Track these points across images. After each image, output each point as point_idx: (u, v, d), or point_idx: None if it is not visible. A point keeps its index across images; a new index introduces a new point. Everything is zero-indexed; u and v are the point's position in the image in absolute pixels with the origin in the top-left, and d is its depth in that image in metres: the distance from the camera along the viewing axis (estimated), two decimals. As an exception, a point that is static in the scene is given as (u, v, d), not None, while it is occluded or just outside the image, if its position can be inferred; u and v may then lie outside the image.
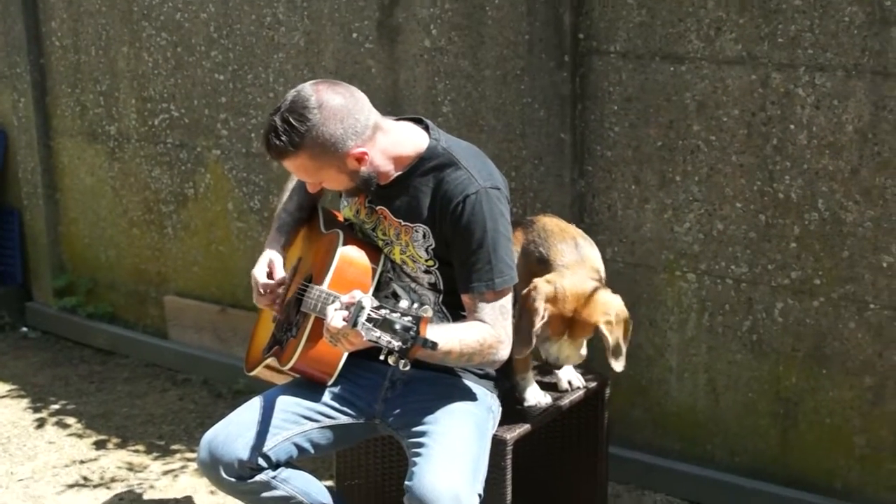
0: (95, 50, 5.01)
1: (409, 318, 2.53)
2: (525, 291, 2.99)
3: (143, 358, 5.09)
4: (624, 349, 3.03)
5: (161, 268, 5.07)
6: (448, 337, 2.75)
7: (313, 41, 4.33)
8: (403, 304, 2.58)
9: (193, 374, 4.90)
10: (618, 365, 3.02)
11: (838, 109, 3.31)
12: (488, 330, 2.83)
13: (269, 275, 3.07)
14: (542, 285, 2.99)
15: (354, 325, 2.54)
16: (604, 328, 2.99)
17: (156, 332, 5.14)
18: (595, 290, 3.02)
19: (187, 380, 4.88)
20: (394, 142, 2.88)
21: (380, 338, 2.52)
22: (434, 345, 2.56)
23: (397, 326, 2.51)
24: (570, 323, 3.00)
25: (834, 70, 3.29)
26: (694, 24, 3.49)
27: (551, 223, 3.18)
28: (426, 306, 2.57)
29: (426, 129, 2.94)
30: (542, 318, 2.96)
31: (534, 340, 2.98)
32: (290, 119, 2.75)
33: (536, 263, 3.10)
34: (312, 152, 2.77)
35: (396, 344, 2.51)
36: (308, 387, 2.98)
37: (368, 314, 2.53)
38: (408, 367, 2.55)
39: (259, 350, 3.17)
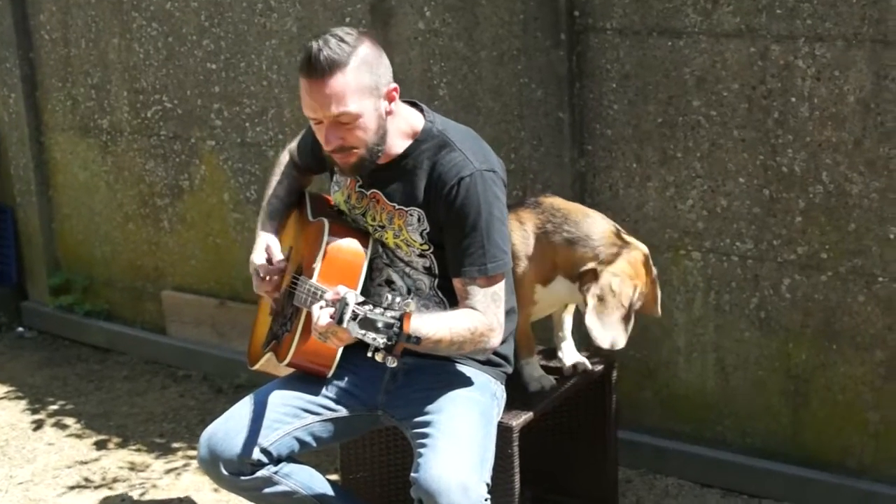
0: (86, 42, 5.04)
1: (392, 313, 2.56)
2: (601, 289, 3.07)
3: (142, 355, 5.12)
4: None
5: (158, 262, 5.10)
6: (438, 326, 2.78)
7: (306, 27, 4.35)
8: (388, 298, 2.61)
9: (193, 369, 4.92)
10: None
11: (839, 80, 3.34)
12: (479, 317, 2.85)
13: (269, 260, 3.08)
14: (624, 279, 3.09)
15: (340, 321, 2.58)
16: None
17: (154, 328, 5.17)
18: (639, 255, 3.16)
19: (187, 376, 4.91)
20: (398, 117, 2.91)
21: (365, 335, 2.56)
22: (418, 339, 2.61)
23: (380, 324, 2.55)
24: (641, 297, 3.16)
25: (834, 40, 3.32)
26: (690, -3, 3.51)
27: (558, 201, 3.25)
28: (409, 300, 2.60)
29: (421, 112, 2.98)
30: (635, 305, 3.12)
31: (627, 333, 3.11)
32: (340, 34, 2.77)
33: (566, 245, 3.15)
34: (359, 72, 2.76)
35: (381, 341, 2.55)
36: (308, 380, 3.00)
37: (353, 311, 2.57)
38: (395, 364, 2.59)
39: (259, 344, 3.20)
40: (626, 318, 3.10)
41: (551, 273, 3.20)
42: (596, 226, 3.18)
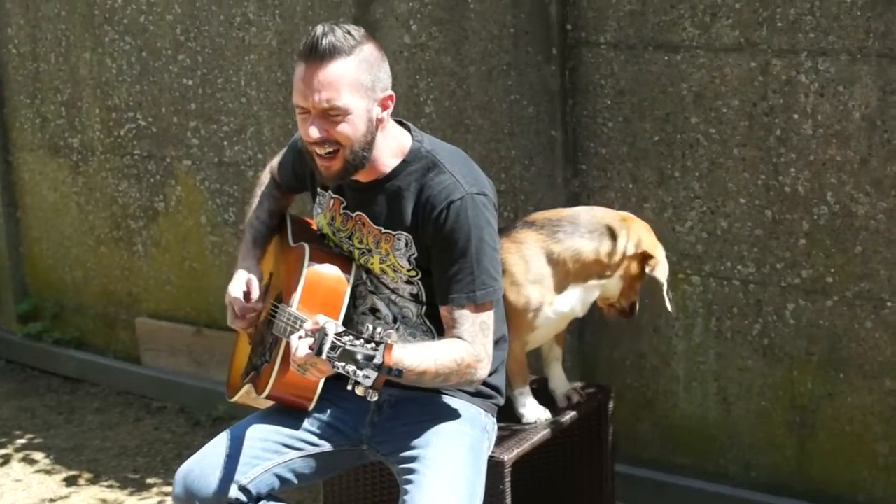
0: (55, 57, 5.03)
1: (372, 345, 2.54)
2: (663, 264, 3.20)
3: (115, 385, 5.10)
4: None
5: (131, 288, 5.08)
6: (422, 357, 2.76)
7: (286, 41, 4.35)
8: (369, 328, 2.60)
9: (169, 401, 4.90)
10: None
11: (844, 96, 3.34)
12: (466, 348, 2.83)
13: (247, 295, 3.07)
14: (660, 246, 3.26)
15: (319, 353, 2.56)
16: None
17: (127, 357, 5.15)
18: (641, 222, 3.30)
19: (162, 408, 4.89)
20: (388, 132, 2.90)
21: (344, 367, 2.54)
22: (399, 372, 2.59)
23: (359, 356, 2.53)
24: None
25: (837, 54, 3.32)
26: (688, 10, 3.51)
27: (546, 213, 3.27)
28: (390, 331, 2.59)
29: (408, 131, 2.96)
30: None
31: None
32: (348, 27, 2.79)
33: (575, 250, 3.17)
34: (358, 67, 2.76)
35: (361, 374, 2.53)
36: (289, 413, 2.98)
37: (332, 342, 2.55)
38: (375, 398, 2.57)
39: (238, 375, 3.17)
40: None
41: (563, 283, 3.20)
42: (588, 215, 3.23)
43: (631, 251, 3.18)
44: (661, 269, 3.20)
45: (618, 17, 3.63)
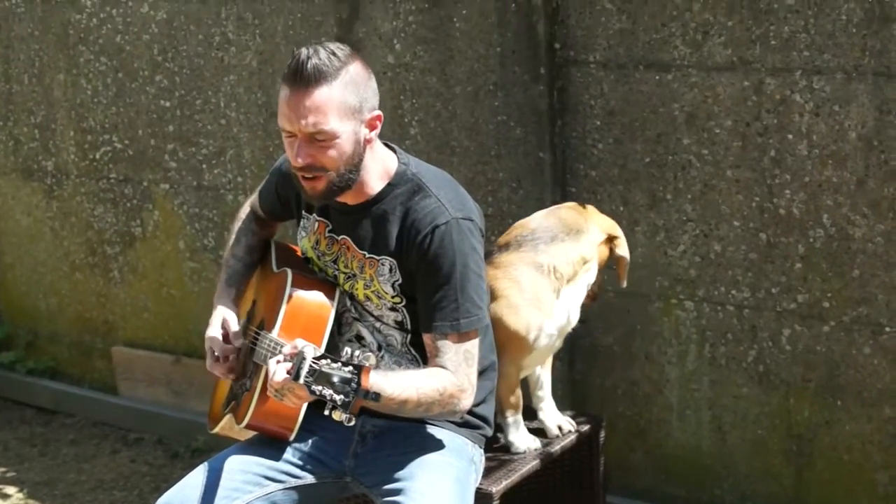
0: (28, 78, 5.02)
1: (350, 368, 2.53)
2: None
3: (91, 416, 5.08)
4: None
5: (108, 316, 5.06)
6: (403, 385, 2.75)
7: (267, 61, 4.35)
8: (347, 353, 2.59)
9: (146, 432, 4.88)
10: None
11: (840, 115, 3.34)
12: (449, 378, 2.81)
13: (225, 336, 3.06)
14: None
15: (297, 377, 2.54)
16: None
17: (103, 387, 5.13)
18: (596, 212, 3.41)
19: (140, 439, 4.86)
20: (375, 154, 2.89)
21: (321, 391, 2.53)
22: (377, 396, 2.57)
23: (335, 379, 2.52)
24: None
25: (833, 73, 3.32)
26: (679, 28, 3.51)
27: (517, 229, 3.28)
28: (369, 354, 2.58)
29: (394, 153, 2.96)
30: None
31: None
32: (332, 48, 2.78)
33: (580, 232, 3.23)
34: (345, 89, 2.76)
35: (338, 398, 2.52)
36: (270, 444, 2.97)
37: (310, 365, 2.54)
38: (352, 423, 2.55)
39: (220, 405, 3.17)
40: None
41: (558, 288, 3.23)
42: (553, 218, 3.28)
43: (602, 237, 3.27)
44: (624, 246, 3.32)
45: (607, 36, 3.63)
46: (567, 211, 3.30)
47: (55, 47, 4.90)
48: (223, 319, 3.07)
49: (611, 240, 3.30)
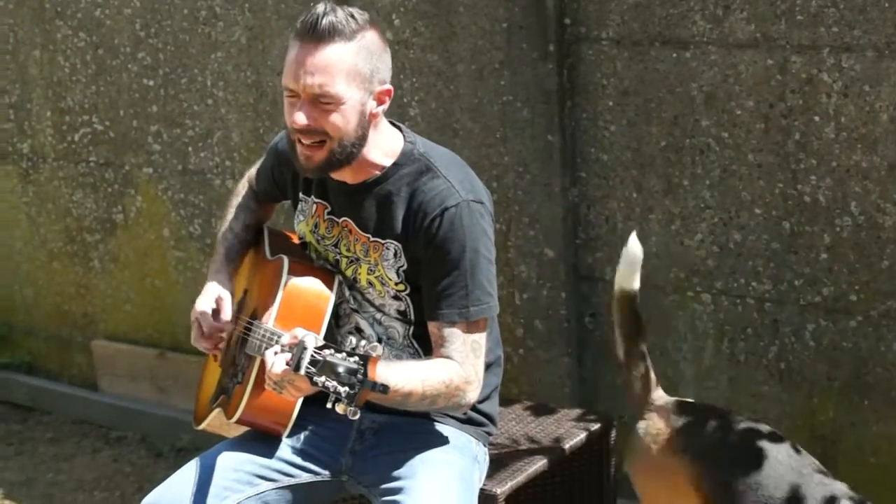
0: (2, 55, 5.02)
1: (356, 358, 2.52)
2: None
3: (70, 414, 5.09)
4: None
5: (87, 308, 5.07)
6: (409, 376, 2.74)
7: (256, 37, 4.35)
8: (352, 341, 2.58)
9: (129, 430, 4.89)
10: None
11: (870, 96, 3.34)
12: (455, 369, 2.81)
13: (216, 313, 3.05)
14: None
15: (297, 368, 2.54)
16: None
17: (83, 383, 5.15)
18: None
19: (122, 437, 4.88)
20: (381, 130, 2.89)
21: (325, 383, 2.52)
22: (385, 388, 2.56)
23: (341, 369, 2.51)
24: None
25: (863, 50, 3.32)
26: (698, 2, 3.52)
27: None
28: (375, 344, 2.57)
29: (400, 131, 2.97)
30: None
31: None
32: (352, 11, 2.78)
33: None
34: (358, 53, 2.76)
35: (343, 389, 2.51)
36: (262, 440, 2.97)
37: (312, 356, 2.53)
38: (357, 416, 2.54)
39: (206, 400, 3.16)
40: None
41: None
42: None
43: None
44: None
45: (621, 11, 3.64)
46: None
47: (31, 22, 4.90)
48: (218, 297, 3.06)
49: None
